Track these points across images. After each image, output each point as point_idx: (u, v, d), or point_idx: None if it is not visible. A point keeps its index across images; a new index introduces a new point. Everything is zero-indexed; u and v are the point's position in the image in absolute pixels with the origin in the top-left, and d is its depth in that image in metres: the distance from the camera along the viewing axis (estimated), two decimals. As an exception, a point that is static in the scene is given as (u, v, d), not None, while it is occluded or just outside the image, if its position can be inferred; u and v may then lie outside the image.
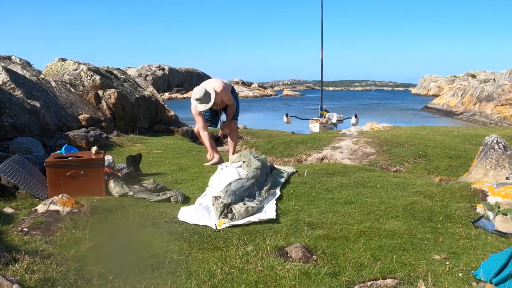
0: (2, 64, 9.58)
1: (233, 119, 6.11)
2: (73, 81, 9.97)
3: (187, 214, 3.58)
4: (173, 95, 49.44)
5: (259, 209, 3.70)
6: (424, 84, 59.69)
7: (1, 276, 2.14)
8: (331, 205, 3.93)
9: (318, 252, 2.79)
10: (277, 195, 4.19)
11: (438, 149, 8.41)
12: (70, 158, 4.26)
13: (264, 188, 4.24)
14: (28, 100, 7.48)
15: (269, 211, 3.67)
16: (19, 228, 3.11)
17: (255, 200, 3.87)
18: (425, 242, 3.03)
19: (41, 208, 3.45)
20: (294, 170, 5.28)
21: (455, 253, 2.81)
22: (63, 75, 10.09)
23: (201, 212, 3.62)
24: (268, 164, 5.11)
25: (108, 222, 3.34)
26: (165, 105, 12.62)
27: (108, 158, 5.10)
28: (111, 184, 4.21)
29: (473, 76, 53.45)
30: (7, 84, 7.78)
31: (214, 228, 3.32)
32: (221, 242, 3.01)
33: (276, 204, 3.92)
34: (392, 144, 8.79)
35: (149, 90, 12.38)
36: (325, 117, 18.67)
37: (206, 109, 5.76)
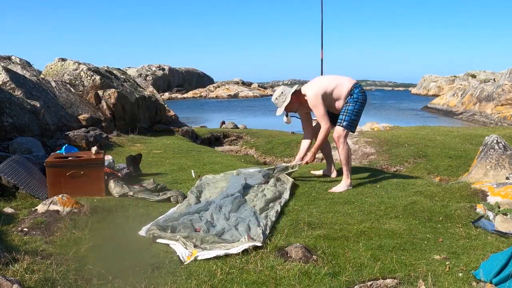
0: (2, 64, 9.58)
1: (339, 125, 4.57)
2: (73, 81, 9.97)
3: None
4: (173, 95, 49.42)
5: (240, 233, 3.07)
6: (424, 84, 59.67)
7: (1, 276, 2.14)
8: (331, 205, 3.93)
9: (318, 252, 2.79)
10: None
11: (438, 149, 8.41)
12: (70, 158, 4.27)
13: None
14: (28, 100, 7.48)
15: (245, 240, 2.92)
16: (19, 228, 3.11)
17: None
18: (425, 242, 3.03)
19: (41, 208, 3.45)
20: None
21: (455, 253, 2.81)
22: (63, 75, 10.10)
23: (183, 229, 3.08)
24: (261, 172, 4.72)
25: (108, 222, 3.34)
26: (165, 105, 12.62)
27: (108, 158, 5.10)
28: (111, 184, 4.21)
29: (473, 76, 53.43)
30: (7, 84, 7.78)
31: (183, 260, 2.69)
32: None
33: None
34: (392, 144, 8.79)
35: (149, 90, 12.38)
36: None
37: (281, 114, 4.85)
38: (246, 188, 4.30)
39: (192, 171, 5.36)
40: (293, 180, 4.72)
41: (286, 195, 4.13)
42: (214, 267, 2.56)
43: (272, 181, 4.60)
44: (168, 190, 4.27)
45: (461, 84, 47.88)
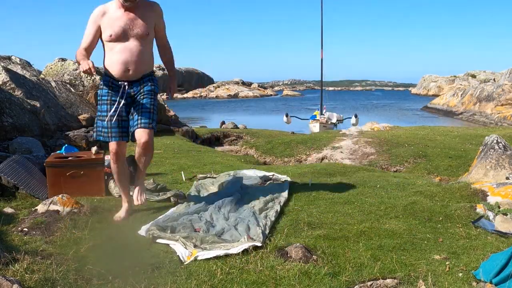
0: (2, 64, 9.58)
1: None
2: (73, 81, 9.98)
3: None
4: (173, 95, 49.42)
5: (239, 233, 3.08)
6: (424, 84, 59.70)
7: (1, 276, 2.14)
8: (331, 205, 3.93)
9: (318, 252, 2.79)
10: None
11: (438, 149, 8.42)
12: (70, 158, 4.26)
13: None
14: (28, 100, 7.48)
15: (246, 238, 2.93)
16: (19, 228, 3.11)
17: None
18: (425, 242, 3.03)
19: (41, 208, 3.45)
20: (288, 179, 4.73)
21: (455, 253, 2.81)
22: (63, 75, 10.10)
23: (183, 229, 3.08)
24: (258, 176, 4.76)
25: (108, 222, 3.34)
26: (165, 105, 12.62)
27: (108, 158, 5.10)
28: (111, 184, 4.21)
29: (473, 76, 53.44)
30: (7, 84, 7.78)
31: (183, 261, 2.68)
32: (221, 242, 3.00)
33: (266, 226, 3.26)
34: (392, 144, 8.80)
35: (149, 90, 12.36)
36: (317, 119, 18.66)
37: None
38: (244, 188, 4.30)
39: (182, 173, 5.29)
40: (290, 180, 4.72)
41: (285, 194, 4.13)
42: (214, 267, 2.56)
43: (268, 183, 4.60)
44: (168, 190, 4.26)
45: (461, 84, 47.87)
